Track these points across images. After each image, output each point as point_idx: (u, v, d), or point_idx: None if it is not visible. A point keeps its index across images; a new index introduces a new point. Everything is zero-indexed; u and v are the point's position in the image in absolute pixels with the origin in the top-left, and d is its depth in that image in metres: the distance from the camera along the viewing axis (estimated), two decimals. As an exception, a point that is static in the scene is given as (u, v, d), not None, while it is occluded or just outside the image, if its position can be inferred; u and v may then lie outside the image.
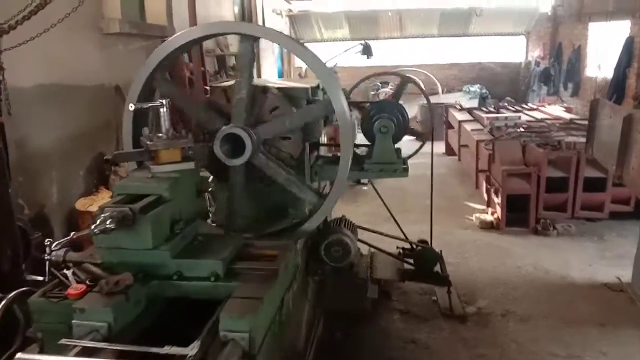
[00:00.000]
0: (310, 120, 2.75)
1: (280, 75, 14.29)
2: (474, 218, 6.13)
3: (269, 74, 12.40)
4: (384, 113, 3.35)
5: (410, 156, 3.81)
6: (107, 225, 1.96)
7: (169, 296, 2.23)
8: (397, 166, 3.32)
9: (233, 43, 9.52)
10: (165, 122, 2.47)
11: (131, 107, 2.31)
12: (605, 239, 5.47)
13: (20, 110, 4.43)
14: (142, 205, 2.13)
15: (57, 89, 4.81)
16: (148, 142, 2.41)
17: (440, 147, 10.71)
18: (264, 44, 11.91)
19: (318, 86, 3.40)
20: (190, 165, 2.45)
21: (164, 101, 2.46)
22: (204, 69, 7.81)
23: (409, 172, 3.26)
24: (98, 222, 1.97)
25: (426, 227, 5.74)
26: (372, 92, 13.83)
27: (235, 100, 2.67)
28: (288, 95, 3.05)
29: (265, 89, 2.89)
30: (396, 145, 3.74)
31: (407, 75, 4.17)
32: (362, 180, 7.32)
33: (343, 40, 15.19)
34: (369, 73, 4.36)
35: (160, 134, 2.45)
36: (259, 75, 10.94)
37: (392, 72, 4.21)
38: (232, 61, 9.80)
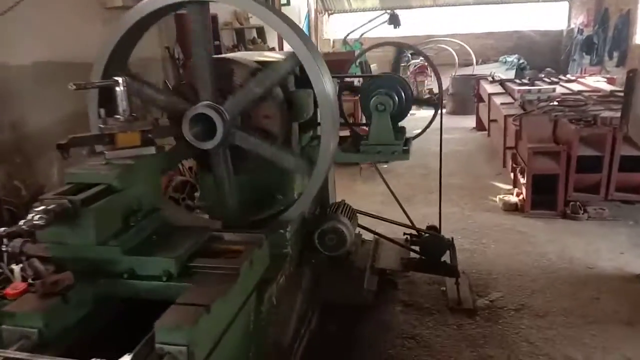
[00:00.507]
0: (279, 77, 2.40)
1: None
2: (497, 199, 5.72)
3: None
4: (382, 88, 3.02)
5: (415, 136, 3.48)
6: (35, 222, 1.75)
7: (123, 296, 2.04)
8: (396, 148, 3.01)
9: (252, 16, 9.19)
10: (122, 103, 2.24)
11: (71, 86, 2.07)
12: (642, 224, 4.99)
13: (16, 89, 4.31)
14: (85, 197, 1.92)
15: (56, 66, 4.67)
16: (101, 125, 2.19)
17: (471, 121, 10.21)
18: (286, 12, 11.55)
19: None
20: (151, 150, 2.22)
21: (119, 79, 2.23)
22: (218, 42, 7.57)
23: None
24: (29, 216, 1.78)
25: (447, 209, 5.41)
26: (402, 64, 13.27)
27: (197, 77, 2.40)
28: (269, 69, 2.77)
29: (236, 62, 2.61)
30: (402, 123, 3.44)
31: (418, 47, 3.77)
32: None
33: (373, 10, 14.57)
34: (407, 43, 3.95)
35: (118, 116, 2.23)
36: (280, 48, 10.63)
37: (393, 43, 3.80)
38: (252, 34, 9.51)
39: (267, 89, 2.37)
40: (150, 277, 1.98)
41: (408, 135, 3.48)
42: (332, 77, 3.19)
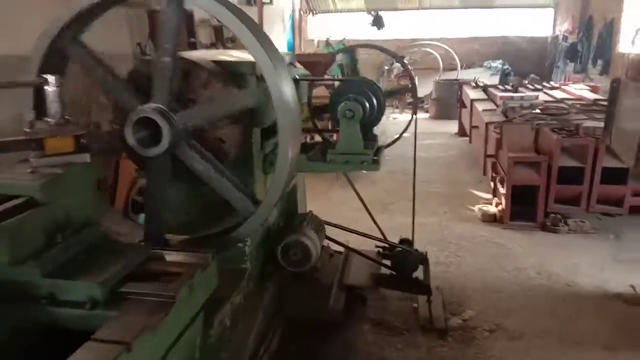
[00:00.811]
0: (172, 30, 2.12)
1: (291, 49, 13.65)
2: (476, 209, 5.55)
3: (277, 47, 11.77)
4: (351, 94, 2.81)
5: (388, 144, 3.28)
6: None
7: (42, 324, 1.79)
8: (365, 158, 2.79)
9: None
10: (53, 104, 2.00)
11: (-14, 86, 1.83)
12: (622, 238, 4.84)
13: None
14: (-2, 211, 1.68)
15: (17, 60, 4.40)
16: (27, 130, 1.94)
17: (454, 126, 10.08)
18: (269, 11, 11.30)
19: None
20: (84, 157, 1.98)
21: (49, 77, 1.99)
22: (194, 40, 7.32)
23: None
24: None
25: (424, 218, 5.23)
26: (386, 67, 13.10)
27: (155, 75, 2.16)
28: (229, 71, 2.54)
29: (195, 63, 2.38)
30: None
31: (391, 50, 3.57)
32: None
33: (358, 12, 14.37)
34: (383, 46, 3.77)
35: (48, 119, 1.99)
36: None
37: (369, 45, 3.60)
38: (231, 32, 9.22)
39: (171, 50, 2.11)
40: (73, 304, 1.74)
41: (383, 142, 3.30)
42: (301, 79, 3.00)
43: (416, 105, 3.54)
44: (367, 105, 2.86)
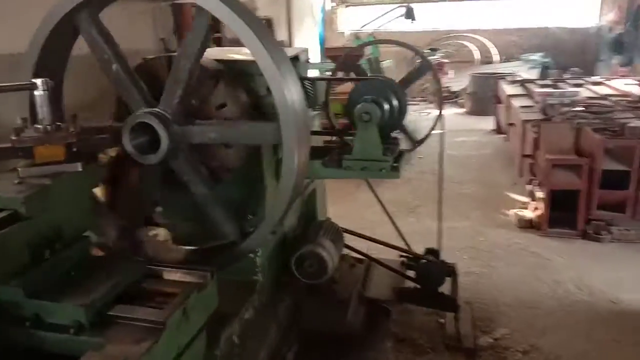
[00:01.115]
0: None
1: (322, 43, 13.44)
2: (511, 214, 5.23)
3: (307, 41, 11.60)
4: (369, 95, 2.59)
5: (410, 149, 3.05)
6: None
7: (26, 347, 1.67)
8: (384, 164, 2.57)
9: (260, 7, 8.79)
10: (42, 110, 1.87)
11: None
12: (672, 248, 4.47)
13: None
14: (-24, 227, 1.56)
15: (17, 58, 4.36)
16: (13, 137, 1.82)
17: (490, 122, 9.65)
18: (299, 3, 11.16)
19: (295, 57, 2.68)
20: (76, 167, 1.85)
21: (37, 81, 1.85)
22: (219, 35, 7.19)
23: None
24: None
25: (454, 223, 4.96)
26: (419, 61, 12.65)
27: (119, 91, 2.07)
28: (237, 70, 2.38)
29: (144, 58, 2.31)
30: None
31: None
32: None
33: (390, 3, 14.00)
34: (416, 38, 3.58)
35: (38, 125, 1.86)
36: (290, 42, 10.22)
37: (387, 41, 3.36)
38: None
39: (113, 56, 2.09)
40: (58, 327, 1.61)
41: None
42: (313, 79, 2.81)
43: (441, 101, 3.31)
44: (387, 107, 2.64)
